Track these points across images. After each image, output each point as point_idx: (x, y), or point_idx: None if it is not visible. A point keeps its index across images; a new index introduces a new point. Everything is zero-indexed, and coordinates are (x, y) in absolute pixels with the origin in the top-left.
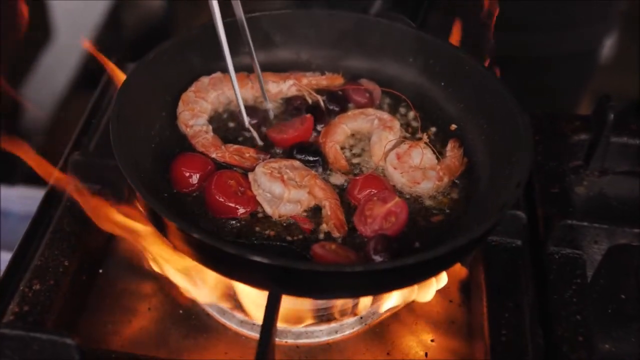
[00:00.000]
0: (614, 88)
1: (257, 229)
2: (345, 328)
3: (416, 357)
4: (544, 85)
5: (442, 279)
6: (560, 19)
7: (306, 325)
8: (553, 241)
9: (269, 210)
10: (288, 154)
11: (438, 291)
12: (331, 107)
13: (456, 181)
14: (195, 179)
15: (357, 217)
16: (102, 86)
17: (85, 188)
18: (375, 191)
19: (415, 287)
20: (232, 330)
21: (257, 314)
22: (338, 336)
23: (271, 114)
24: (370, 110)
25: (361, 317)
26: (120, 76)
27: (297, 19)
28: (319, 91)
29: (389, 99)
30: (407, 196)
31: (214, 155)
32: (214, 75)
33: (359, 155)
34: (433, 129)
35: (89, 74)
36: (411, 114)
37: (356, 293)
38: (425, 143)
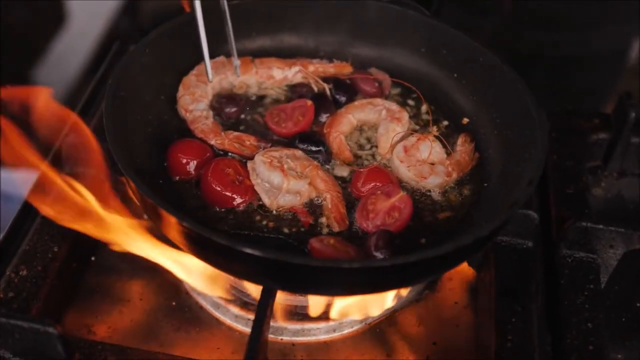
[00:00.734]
0: None
1: (257, 218)
2: (343, 327)
3: None
4: (571, 85)
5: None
6: (589, 18)
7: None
8: (566, 244)
9: (266, 200)
10: (290, 143)
11: (444, 291)
12: (338, 96)
13: (466, 177)
14: (192, 166)
15: (360, 212)
16: (103, 71)
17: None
18: (380, 184)
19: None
20: (225, 324)
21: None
22: (336, 335)
23: (238, 72)
24: (379, 101)
25: None
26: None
27: (305, 3)
28: (326, 79)
29: (399, 89)
30: (414, 191)
31: (213, 142)
32: (216, 59)
33: (365, 147)
34: (445, 123)
35: (102, 61)
36: (423, 107)
37: (354, 291)
38: (435, 136)
